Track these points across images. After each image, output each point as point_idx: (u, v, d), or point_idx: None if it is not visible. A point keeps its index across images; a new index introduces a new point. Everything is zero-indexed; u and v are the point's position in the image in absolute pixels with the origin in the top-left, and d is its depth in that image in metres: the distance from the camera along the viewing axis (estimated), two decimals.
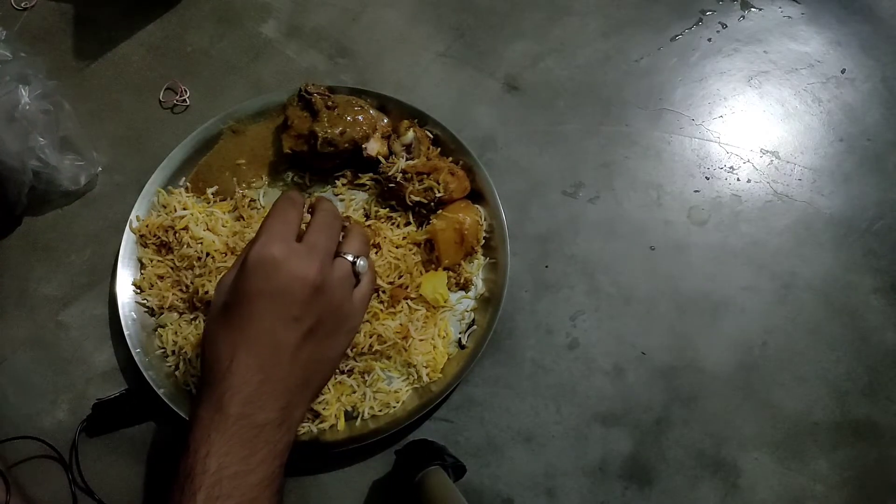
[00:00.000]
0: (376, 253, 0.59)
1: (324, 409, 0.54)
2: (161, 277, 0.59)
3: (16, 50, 0.59)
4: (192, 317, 0.58)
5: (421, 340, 0.57)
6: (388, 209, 0.61)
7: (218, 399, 0.38)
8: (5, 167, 0.56)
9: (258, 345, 0.39)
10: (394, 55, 0.71)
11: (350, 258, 0.43)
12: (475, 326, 0.58)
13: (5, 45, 0.59)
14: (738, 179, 0.67)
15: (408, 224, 0.61)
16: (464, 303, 0.60)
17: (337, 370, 0.56)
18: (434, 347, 0.57)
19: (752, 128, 0.69)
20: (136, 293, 0.59)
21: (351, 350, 0.55)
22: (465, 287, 0.60)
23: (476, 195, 0.62)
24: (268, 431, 0.38)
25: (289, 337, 0.40)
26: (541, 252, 0.63)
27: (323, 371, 0.43)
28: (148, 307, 0.58)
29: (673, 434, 0.57)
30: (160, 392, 0.54)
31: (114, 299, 0.58)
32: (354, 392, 0.56)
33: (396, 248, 0.59)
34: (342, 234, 0.45)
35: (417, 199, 0.59)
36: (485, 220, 0.60)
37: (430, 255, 0.59)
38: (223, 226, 0.60)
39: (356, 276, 0.44)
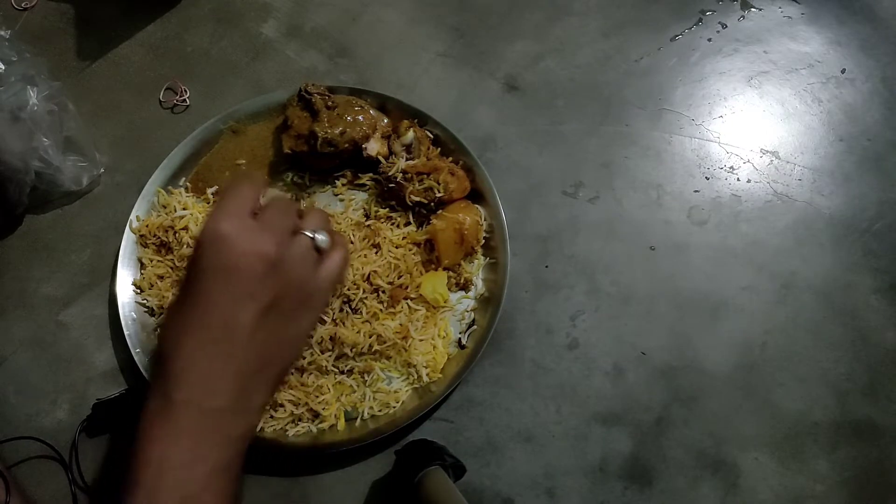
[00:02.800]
0: (376, 253, 0.59)
1: (324, 409, 0.54)
2: (161, 277, 0.59)
3: (21, 51, 0.59)
4: None
5: (421, 340, 0.57)
6: (388, 209, 0.61)
7: (163, 384, 0.36)
8: (8, 167, 0.56)
9: (208, 325, 0.36)
10: (394, 55, 0.71)
11: (309, 233, 0.40)
12: (475, 326, 0.58)
13: (10, 46, 0.59)
14: (738, 179, 0.67)
15: (408, 224, 0.61)
16: (464, 303, 0.60)
17: (336, 370, 0.56)
18: (434, 347, 0.57)
19: (752, 128, 0.69)
20: (136, 293, 0.59)
21: (351, 350, 0.55)
22: (465, 287, 0.60)
23: (476, 195, 0.62)
24: (219, 418, 0.36)
25: (243, 315, 0.37)
26: (541, 252, 0.63)
27: (285, 353, 0.40)
28: (148, 307, 0.58)
29: (673, 434, 0.57)
30: None
31: (114, 299, 0.58)
32: (354, 392, 0.56)
33: (396, 248, 0.59)
34: (301, 216, 0.42)
35: (417, 199, 0.59)
36: (485, 220, 0.60)
37: (430, 255, 0.59)
38: None
39: (318, 251, 0.41)
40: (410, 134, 0.60)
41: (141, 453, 0.34)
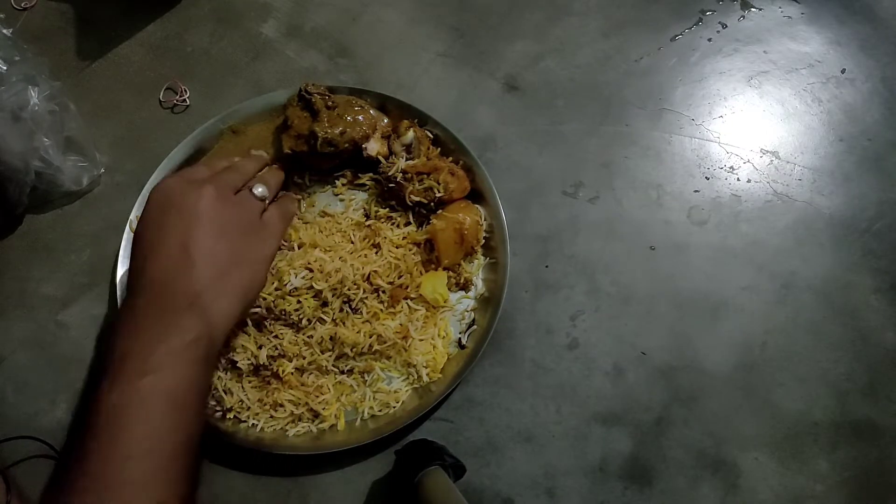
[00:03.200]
0: (376, 253, 0.59)
1: (324, 409, 0.54)
2: None
3: (23, 51, 0.59)
4: None
5: (421, 340, 0.57)
6: (388, 209, 0.61)
7: (130, 296, 0.43)
8: (8, 167, 0.56)
9: (166, 247, 0.43)
10: (394, 55, 0.71)
11: (248, 188, 0.51)
12: (475, 326, 0.58)
13: (13, 45, 0.59)
14: (738, 179, 0.67)
15: (408, 224, 0.61)
16: (464, 303, 0.60)
17: (337, 370, 0.56)
18: (434, 347, 0.57)
19: (752, 128, 0.69)
20: None
21: (351, 350, 0.55)
22: (465, 287, 0.60)
23: (476, 195, 0.62)
24: (177, 316, 0.41)
25: (194, 234, 0.44)
26: (541, 252, 0.63)
27: (243, 267, 0.47)
28: None
29: (673, 434, 0.57)
30: None
31: (114, 299, 0.58)
32: (354, 392, 0.56)
33: (396, 248, 0.59)
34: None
35: (417, 199, 0.59)
36: (485, 220, 0.60)
37: (430, 255, 0.59)
38: None
39: (259, 199, 0.51)
40: (410, 134, 0.60)
41: (109, 347, 0.41)
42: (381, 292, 0.58)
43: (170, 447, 0.39)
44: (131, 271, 0.45)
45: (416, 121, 0.62)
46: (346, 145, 0.59)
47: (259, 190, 0.51)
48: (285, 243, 0.57)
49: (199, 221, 0.45)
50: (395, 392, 0.56)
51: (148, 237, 0.45)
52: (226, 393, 0.54)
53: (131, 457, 0.37)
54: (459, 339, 0.58)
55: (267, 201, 0.52)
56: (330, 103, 0.60)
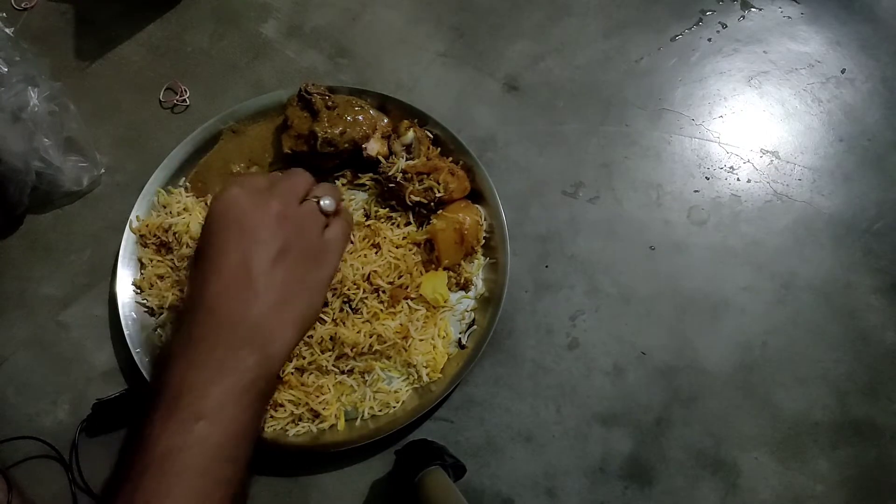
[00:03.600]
0: (376, 253, 0.59)
1: (324, 409, 0.55)
2: (161, 277, 0.59)
3: (23, 51, 0.59)
4: None
5: (421, 340, 0.57)
6: (388, 209, 0.61)
7: (186, 326, 0.39)
8: (8, 167, 0.56)
9: (226, 268, 0.40)
10: (394, 55, 0.71)
11: (315, 199, 0.45)
12: (475, 326, 0.58)
13: (13, 46, 0.59)
14: (738, 179, 0.67)
15: (408, 224, 0.61)
16: (464, 303, 0.60)
17: (337, 370, 0.56)
18: (434, 347, 0.57)
19: (752, 128, 0.69)
20: (136, 293, 0.59)
21: (351, 350, 0.55)
22: (465, 287, 0.60)
23: (476, 195, 0.62)
24: (233, 349, 0.38)
25: (256, 258, 0.40)
26: (541, 252, 0.63)
27: (304, 296, 0.43)
28: (148, 307, 0.58)
29: (673, 434, 0.57)
30: None
31: (114, 299, 0.58)
32: (354, 392, 0.56)
33: (396, 248, 0.59)
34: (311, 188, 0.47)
35: (417, 199, 0.59)
36: (485, 220, 0.60)
37: (430, 255, 0.59)
38: None
39: (325, 214, 0.45)
40: (410, 134, 0.60)
41: (162, 377, 0.37)
42: (381, 292, 0.58)
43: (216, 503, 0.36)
44: (190, 290, 0.41)
45: (416, 121, 0.62)
46: (346, 145, 0.59)
47: (326, 202, 0.45)
48: None
49: (262, 241, 0.41)
50: (395, 392, 0.56)
51: (209, 255, 0.41)
52: None
53: None
54: (459, 339, 0.58)
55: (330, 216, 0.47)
56: (330, 103, 0.60)
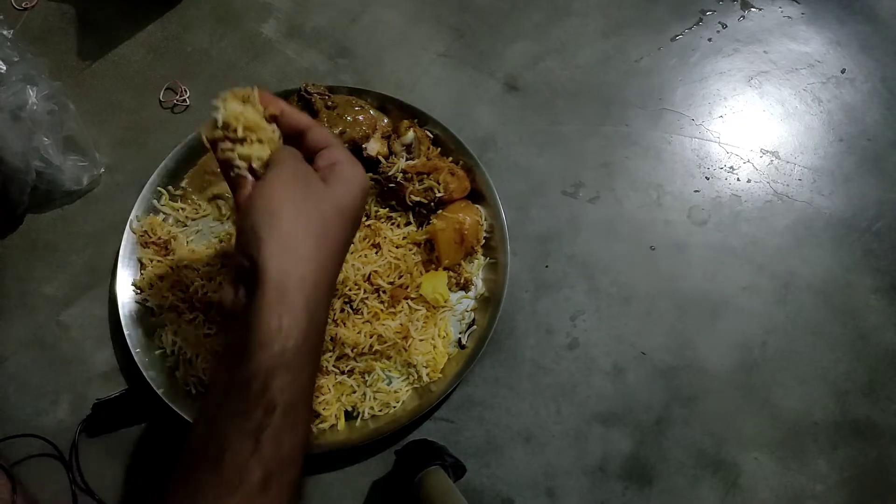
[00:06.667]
0: (376, 253, 0.59)
1: (324, 409, 0.54)
2: (161, 277, 0.59)
3: (22, 51, 0.59)
4: (191, 317, 0.58)
5: (421, 340, 0.57)
6: (388, 209, 0.61)
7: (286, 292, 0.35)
8: (9, 167, 0.56)
9: (336, 253, 0.38)
10: (394, 55, 0.71)
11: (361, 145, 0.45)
12: (475, 326, 0.58)
13: (12, 46, 0.59)
14: (738, 179, 0.67)
15: (408, 224, 0.61)
16: (464, 303, 0.60)
17: (337, 370, 0.56)
18: (434, 347, 0.57)
19: (752, 128, 0.69)
20: (136, 293, 0.59)
21: (351, 350, 0.55)
22: (465, 287, 0.60)
23: (476, 195, 0.62)
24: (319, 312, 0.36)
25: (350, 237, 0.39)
26: (541, 252, 0.63)
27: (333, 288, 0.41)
28: (148, 307, 0.58)
29: (673, 434, 0.57)
30: (160, 392, 0.54)
31: (114, 299, 0.58)
32: (354, 392, 0.56)
33: (396, 248, 0.59)
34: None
35: (417, 199, 0.59)
36: (485, 220, 0.60)
37: (430, 255, 0.59)
38: (214, 237, 0.61)
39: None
40: (410, 134, 0.60)
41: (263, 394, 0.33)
42: (381, 292, 0.58)
43: None
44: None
45: (416, 121, 0.62)
46: (346, 145, 0.59)
47: (373, 146, 0.44)
48: None
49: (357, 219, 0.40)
50: (396, 392, 0.56)
51: (334, 236, 0.38)
52: None
53: None
54: (459, 339, 0.58)
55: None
56: (330, 103, 0.60)
